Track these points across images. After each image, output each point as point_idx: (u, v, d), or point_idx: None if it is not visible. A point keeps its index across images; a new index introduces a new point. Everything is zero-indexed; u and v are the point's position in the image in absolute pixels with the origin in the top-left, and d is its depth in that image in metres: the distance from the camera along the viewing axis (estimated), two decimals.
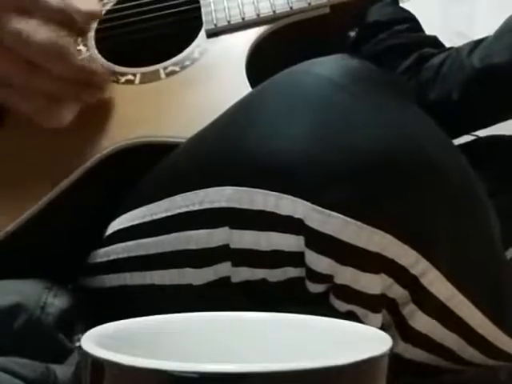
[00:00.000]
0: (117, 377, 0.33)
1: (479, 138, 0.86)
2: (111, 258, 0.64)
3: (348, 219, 0.50)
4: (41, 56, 0.63)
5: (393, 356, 0.34)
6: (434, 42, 0.93)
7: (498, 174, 0.76)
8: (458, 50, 0.87)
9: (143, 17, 0.79)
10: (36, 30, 0.62)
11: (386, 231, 0.50)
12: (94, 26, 0.77)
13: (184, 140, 0.63)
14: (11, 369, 0.54)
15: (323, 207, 0.50)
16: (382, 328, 0.54)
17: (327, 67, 0.56)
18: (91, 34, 0.76)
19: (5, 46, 0.62)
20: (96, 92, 0.68)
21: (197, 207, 0.56)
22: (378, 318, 0.54)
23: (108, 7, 0.79)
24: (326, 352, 0.38)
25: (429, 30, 0.98)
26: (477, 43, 0.84)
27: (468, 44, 0.85)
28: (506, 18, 0.82)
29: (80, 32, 0.67)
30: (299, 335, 0.41)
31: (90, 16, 0.67)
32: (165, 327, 0.42)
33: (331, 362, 0.31)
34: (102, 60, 0.74)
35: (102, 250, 0.65)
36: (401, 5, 0.98)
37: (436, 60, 0.87)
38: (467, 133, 0.86)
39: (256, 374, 0.30)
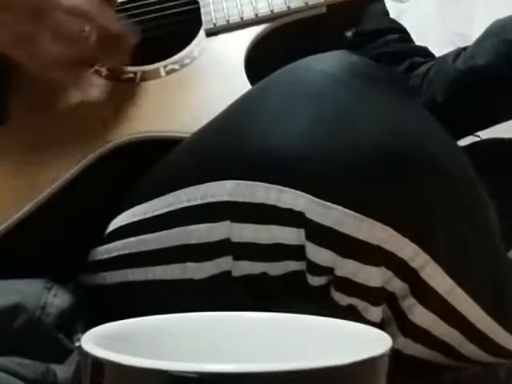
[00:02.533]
0: (117, 377, 0.33)
1: (480, 140, 0.86)
2: (112, 254, 0.64)
3: (348, 212, 0.50)
4: (73, 15, 0.64)
5: (393, 355, 0.34)
6: (425, 52, 0.95)
7: (499, 174, 0.76)
8: (444, 57, 0.88)
9: (143, 17, 0.79)
10: None
11: (386, 224, 0.51)
12: None
13: (184, 135, 0.64)
14: (11, 369, 0.54)
15: (324, 200, 0.51)
16: (382, 323, 0.55)
17: (328, 63, 0.56)
18: None
19: (39, 9, 0.63)
20: (122, 55, 0.68)
21: (199, 202, 0.56)
22: (379, 311, 0.54)
23: None
24: (326, 352, 0.38)
25: (429, 31, 0.99)
26: (462, 50, 0.85)
27: (453, 51, 0.87)
28: (492, 23, 0.82)
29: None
30: (299, 335, 0.42)
31: None
32: (165, 327, 0.42)
33: (331, 362, 0.31)
34: None
35: (103, 247, 0.65)
36: (401, 5, 0.99)
37: (424, 67, 0.89)
38: (455, 138, 0.87)
39: (256, 373, 0.30)
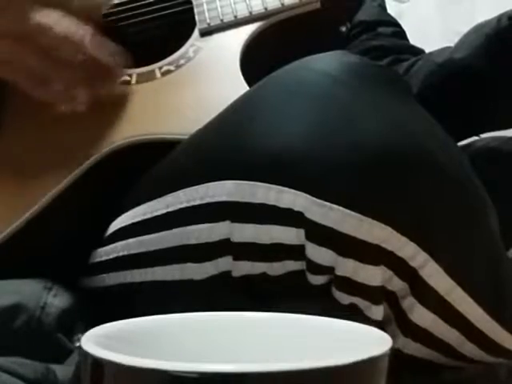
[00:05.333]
0: (117, 377, 0.33)
1: (480, 139, 0.86)
2: (111, 256, 0.64)
3: (348, 211, 0.50)
4: (60, 45, 0.65)
5: (393, 355, 0.34)
6: (417, 51, 0.94)
7: (498, 173, 0.76)
8: (430, 53, 0.88)
9: (137, 19, 0.79)
10: (58, 21, 0.64)
11: (386, 223, 0.51)
12: None
13: (181, 137, 0.64)
14: (11, 369, 0.54)
15: (323, 200, 0.51)
16: (383, 322, 0.55)
17: (327, 63, 0.56)
18: None
19: (27, 36, 0.64)
20: (107, 83, 0.69)
21: (198, 202, 0.56)
22: (381, 309, 0.54)
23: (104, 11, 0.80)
24: (326, 352, 0.38)
25: (429, 31, 0.99)
26: (448, 47, 0.85)
27: (440, 49, 0.86)
28: (478, 23, 0.82)
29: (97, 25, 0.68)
30: (299, 335, 0.41)
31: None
32: (165, 327, 0.42)
33: (331, 362, 0.31)
34: None
35: (103, 249, 0.65)
36: (401, 5, 0.99)
37: (406, 64, 0.88)
38: None
39: (256, 373, 0.30)
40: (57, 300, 0.63)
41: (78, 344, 0.35)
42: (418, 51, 0.94)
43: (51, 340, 0.61)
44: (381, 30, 0.94)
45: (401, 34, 0.98)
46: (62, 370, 0.58)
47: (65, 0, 0.66)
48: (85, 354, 0.34)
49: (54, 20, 0.64)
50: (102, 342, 0.35)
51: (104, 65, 0.67)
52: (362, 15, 0.94)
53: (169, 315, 0.42)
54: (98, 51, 0.66)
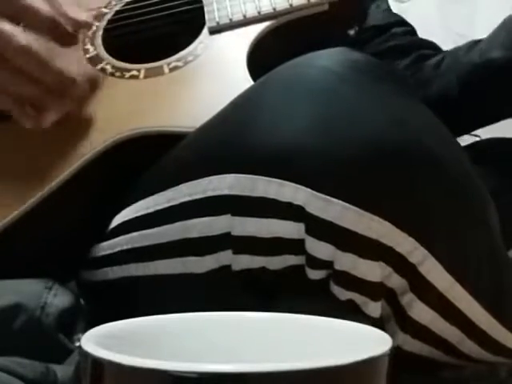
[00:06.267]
0: (117, 377, 0.33)
1: (480, 140, 0.86)
2: (115, 250, 0.64)
3: (348, 206, 0.51)
4: (21, 59, 0.64)
5: (393, 355, 0.34)
6: (433, 45, 0.95)
7: (499, 173, 0.76)
8: (455, 49, 0.88)
9: (149, 16, 0.80)
10: (19, 34, 0.63)
11: (385, 218, 0.51)
12: (103, 25, 0.79)
13: (186, 130, 0.64)
14: (11, 369, 0.54)
15: (324, 194, 0.51)
16: (382, 319, 0.55)
17: (330, 59, 0.56)
18: (99, 33, 0.78)
19: None
20: (71, 103, 0.68)
21: (200, 196, 0.56)
22: (378, 306, 0.54)
23: (117, 8, 0.81)
24: (326, 352, 0.38)
25: (429, 31, 0.99)
26: (475, 42, 0.85)
27: (465, 44, 0.87)
28: (505, 18, 0.82)
29: (69, 40, 0.68)
30: (299, 335, 0.41)
31: (78, 25, 0.68)
32: (165, 327, 0.42)
33: (331, 362, 0.31)
34: (108, 57, 0.75)
35: (106, 243, 0.66)
36: (401, 5, 1.00)
37: (434, 60, 0.89)
38: (466, 131, 0.87)
39: (256, 373, 0.30)
40: (57, 300, 0.63)
41: (78, 344, 0.35)
42: (433, 46, 0.95)
43: (51, 340, 0.61)
44: (394, 30, 0.95)
45: (412, 31, 0.98)
46: (62, 370, 0.58)
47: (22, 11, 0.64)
48: (85, 354, 0.34)
49: (17, 32, 0.63)
50: (101, 342, 0.35)
51: (67, 78, 0.66)
52: (371, 21, 0.94)
53: (169, 315, 0.42)
54: (58, 63, 0.65)
